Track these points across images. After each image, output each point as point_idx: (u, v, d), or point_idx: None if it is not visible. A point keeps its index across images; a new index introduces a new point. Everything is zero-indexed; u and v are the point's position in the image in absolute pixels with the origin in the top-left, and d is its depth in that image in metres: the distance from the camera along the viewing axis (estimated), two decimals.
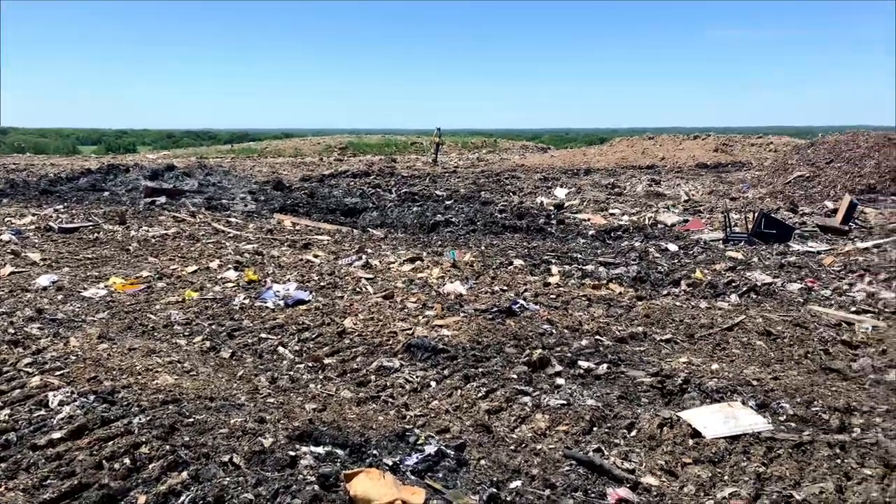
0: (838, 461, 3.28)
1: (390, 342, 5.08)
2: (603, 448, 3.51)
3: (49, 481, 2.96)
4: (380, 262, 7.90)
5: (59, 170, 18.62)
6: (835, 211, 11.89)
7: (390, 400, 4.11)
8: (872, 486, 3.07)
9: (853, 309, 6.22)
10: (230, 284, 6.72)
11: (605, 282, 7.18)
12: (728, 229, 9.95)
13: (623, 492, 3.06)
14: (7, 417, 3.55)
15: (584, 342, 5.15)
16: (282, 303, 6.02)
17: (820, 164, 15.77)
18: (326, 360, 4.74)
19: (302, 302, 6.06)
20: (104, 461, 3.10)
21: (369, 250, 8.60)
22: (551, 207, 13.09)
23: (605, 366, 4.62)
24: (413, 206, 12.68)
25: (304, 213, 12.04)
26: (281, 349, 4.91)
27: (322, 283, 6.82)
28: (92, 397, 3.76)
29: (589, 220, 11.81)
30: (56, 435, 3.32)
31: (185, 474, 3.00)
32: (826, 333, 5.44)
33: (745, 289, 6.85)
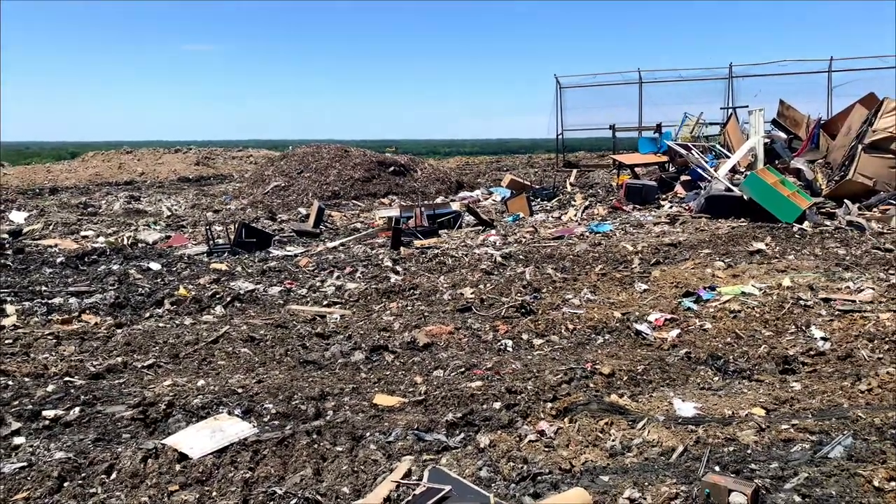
0: (315, 447, 3.52)
1: None
2: (76, 503, 3.04)
3: None
4: None
5: None
6: (307, 216, 13.21)
7: None
8: (343, 460, 3.40)
9: (325, 303, 6.93)
10: None
11: (76, 314, 6.36)
12: (211, 242, 10.03)
13: None
14: None
15: (50, 388, 4.42)
16: None
17: (293, 175, 17.32)
18: None
19: None
20: None
21: None
22: (5, 235, 11.06)
23: (77, 409, 4.05)
24: None
25: None
26: None
27: None
28: None
29: (57, 245, 10.38)
30: None
31: None
32: (303, 329, 5.90)
33: (229, 299, 6.96)
